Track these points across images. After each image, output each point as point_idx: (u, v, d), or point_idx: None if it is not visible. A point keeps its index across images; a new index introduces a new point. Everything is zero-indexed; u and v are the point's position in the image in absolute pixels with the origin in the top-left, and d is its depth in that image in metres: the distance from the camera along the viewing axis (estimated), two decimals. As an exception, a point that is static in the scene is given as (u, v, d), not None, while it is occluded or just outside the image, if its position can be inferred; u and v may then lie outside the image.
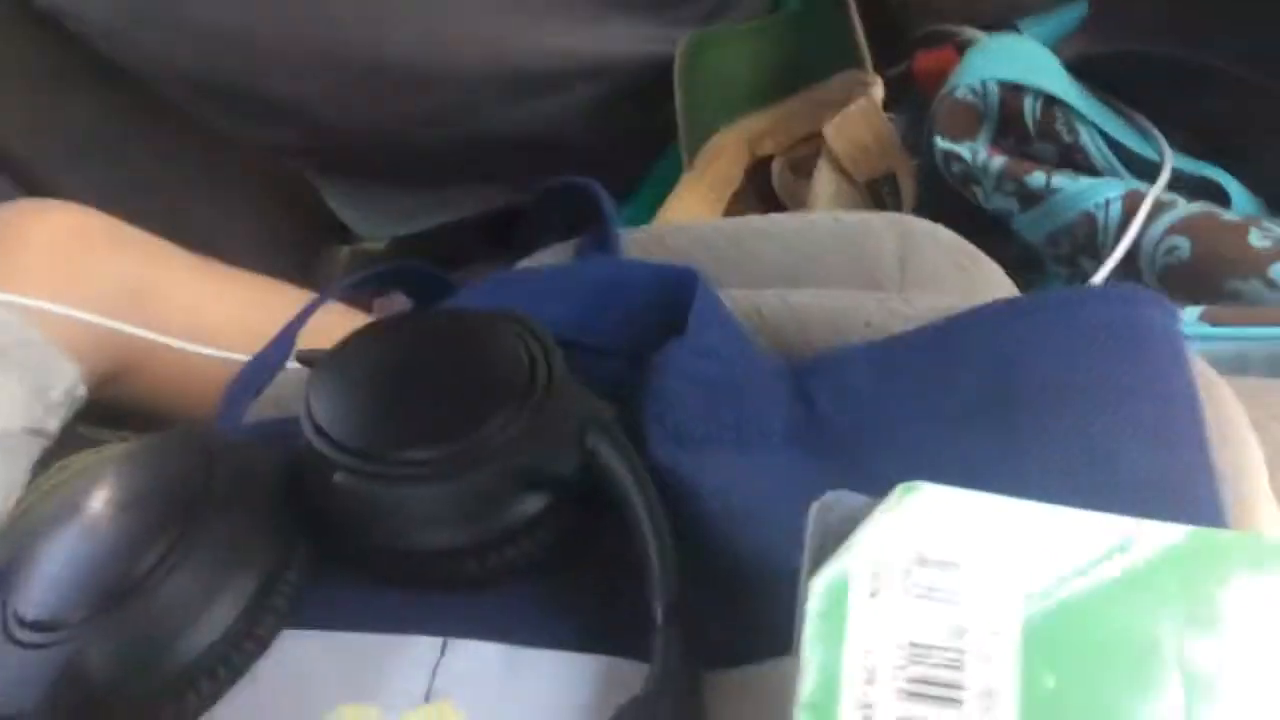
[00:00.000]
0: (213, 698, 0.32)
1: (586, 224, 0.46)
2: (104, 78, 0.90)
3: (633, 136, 0.91)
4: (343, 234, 1.08)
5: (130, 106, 0.93)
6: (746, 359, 0.34)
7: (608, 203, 0.44)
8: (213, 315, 0.61)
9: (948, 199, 0.70)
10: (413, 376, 0.35)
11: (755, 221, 0.42)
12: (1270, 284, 0.57)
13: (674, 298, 0.36)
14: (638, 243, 0.43)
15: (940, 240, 0.39)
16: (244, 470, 0.34)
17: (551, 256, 0.45)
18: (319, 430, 0.34)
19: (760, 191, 0.80)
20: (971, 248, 0.40)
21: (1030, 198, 0.64)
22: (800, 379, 0.34)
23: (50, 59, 0.90)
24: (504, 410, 0.33)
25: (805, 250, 0.40)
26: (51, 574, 0.32)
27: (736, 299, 0.37)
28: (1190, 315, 0.54)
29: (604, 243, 0.42)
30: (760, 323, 0.36)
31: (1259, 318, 0.54)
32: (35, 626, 0.31)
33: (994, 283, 0.39)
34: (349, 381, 0.35)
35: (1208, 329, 0.54)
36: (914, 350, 0.32)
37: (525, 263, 0.46)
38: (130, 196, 0.95)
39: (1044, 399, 0.29)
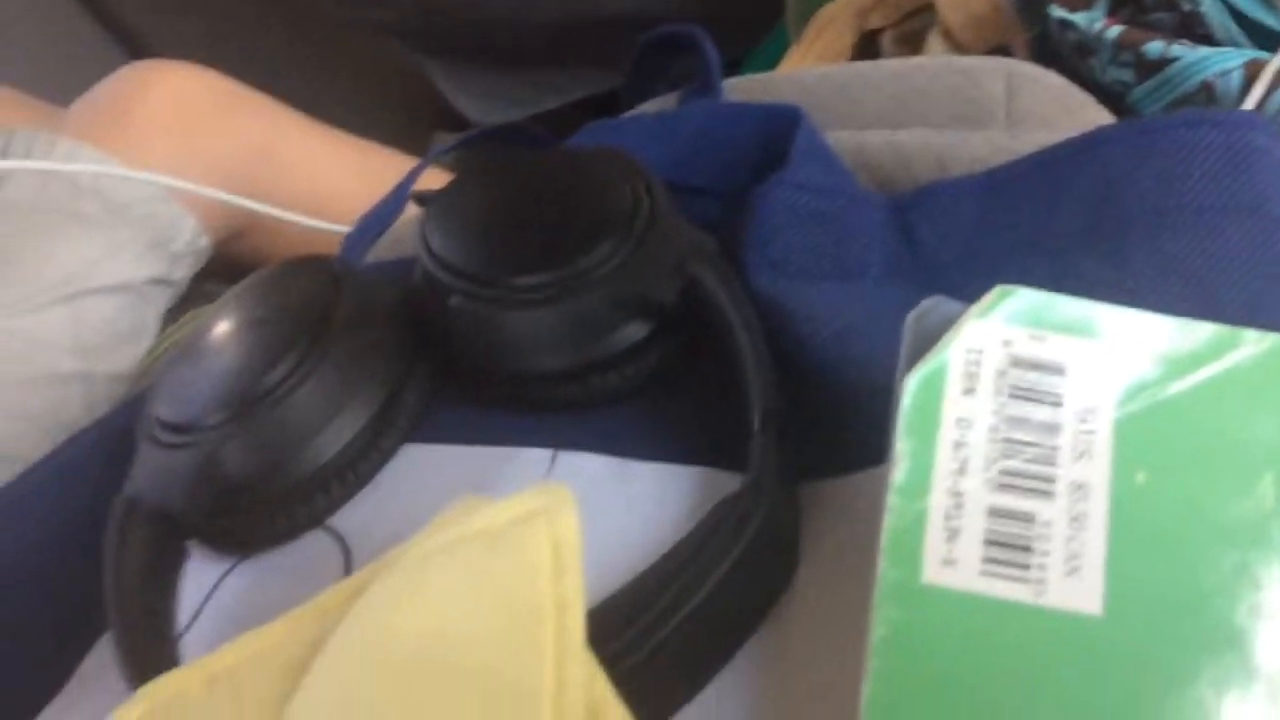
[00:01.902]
0: (340, 501, 0.34)
1: (689, 79, 0.47)
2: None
3: (740, 13, 0.90)
4: (457, 122, 1.10)
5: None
6: (847, 193, 0.35)
7: (710, 49, 0.44)
8: (330, 178, 0.63)
9: (1062, 71, 0.68)
10: (522, 210, 0.37)
11: (861, 68, 0.42)
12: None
13: (776, 136, 0.37)
14: (742, 89, 0.43)
15: (1048, 83, 0.39)
16: (368, 295, 0.36)
17: (656, 107, 0.46)
18: (435, 258, 0.35)
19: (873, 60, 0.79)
20: (1079, 90, 0.39)
21: (1147, 68, 0.63)
22: (902, 212, 0.34)
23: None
24: (609, 240, 0.34)
25: (911, 95, 0.40)
26: (191, 383, 0.35)
27: (841, 139, 0.37)
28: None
29: (707, 89, 0.43)
30: (863, 161, 0.37)
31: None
32: (174, 429, 0.34)
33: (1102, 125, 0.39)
34: (462, 215, 0.37)
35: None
36: (1019, 180, 0.32)
37: (630, 113, 0.46)
38: (240, 77, 0.98)
39: (1150, 222, 0.29)
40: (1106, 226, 0.30)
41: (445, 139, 1.13)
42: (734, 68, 0.93)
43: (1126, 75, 0.64)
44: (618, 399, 0.34)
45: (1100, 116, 0.39)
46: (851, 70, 0.41)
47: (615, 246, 0.34)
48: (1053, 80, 0.39)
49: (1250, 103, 0.58)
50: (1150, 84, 0.63)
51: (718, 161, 0.39)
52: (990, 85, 0.39)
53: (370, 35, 1.01)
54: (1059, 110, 0.38)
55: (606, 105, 0.94)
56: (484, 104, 1.06)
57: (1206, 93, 0.61)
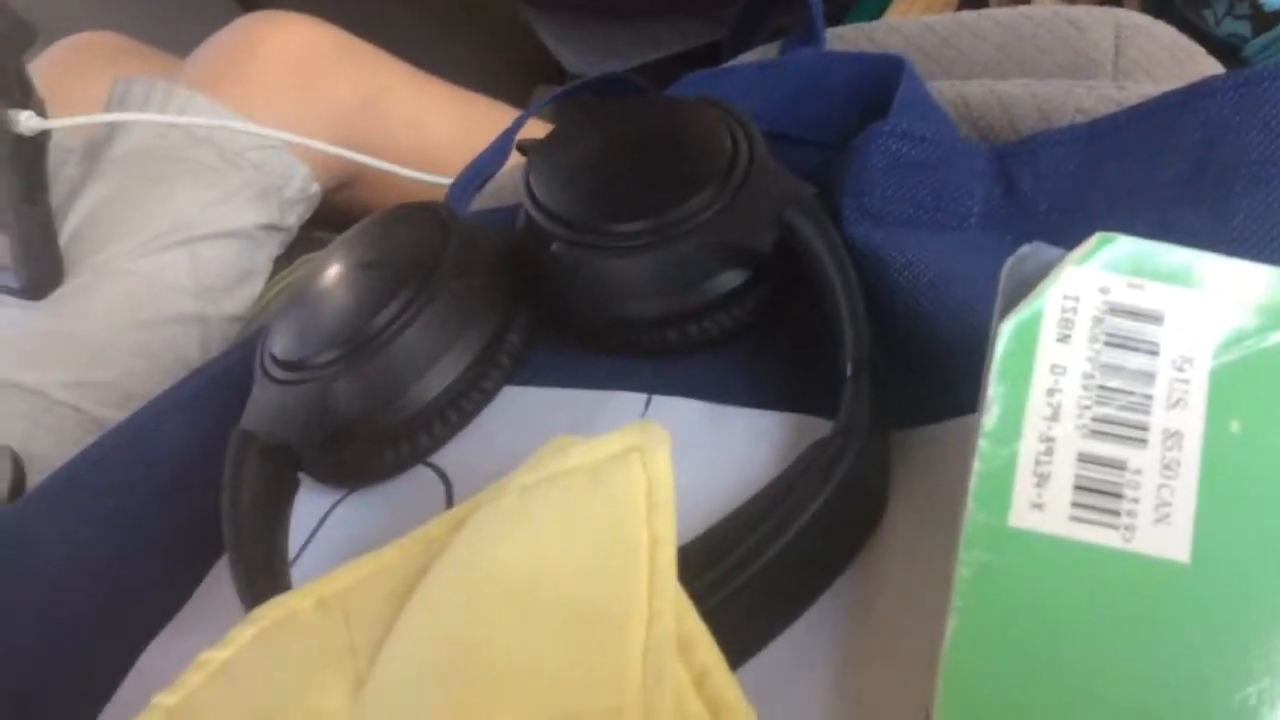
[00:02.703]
0: (444, 439, 0.35)
1: (792, 30, 0.47)
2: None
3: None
4: (559, 75, 1.11)
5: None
6: (948, 142, 0.35)
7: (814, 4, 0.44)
8: (436, 129, 0.64)
9: (1175, 24, 0.66)
10: (623, 158, 0.37)
11: (965, 18, 0.41)
12: None
13: (878, 86, 0.37)
14: (846, 39, 0.43)
15: (1156, 34, 0.38)
16: (473, 242, 0.37)
17: (758, 56, 0.46)
18: (538, 204, 0.36)
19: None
20: (1189, 42, 0.38)
21: (1265, 20, 0.61)
22: (1004, 161, 0.34)
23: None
24: (707, 188, 0.34)
25: (1016, 45, 0.39)
26: (304, 322, 0.36)
27: (943, 90, 0.37)
28: None
29: (810, 39, 0.43)
30: (966, 111, 0.37)
31: None
32: (288, 366, 0.36)
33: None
34: (564, 163, 0.38)
35: None
36: (1122, 130, 0.32)
37: (731, 63, 0.47)
38: (347, 25, 1.00)
39: (1255, 174, 0.29)
40: (1210, 178, 0.29)
41: (547, 92, 1.14)
42: (838, 19, 0.92)
43: (1243, 28, 0.62)
44: (713, 345, 0.35)
45: (1210, 67, 0.38)
46: (956, 20, 0.41)
47: (713, 195, 0.34)
48: (1161, 31, 0.38)
49: (1376, 54, 0.56)
50: (1267, 37, 0.61)
51: (819, 111, 0.39)
52: (1099, 36, 0.38)
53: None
54: (1168, 61, 0.37)
55: (707, 58, 0.94)
56: (586, 56, 1.07)
57: (1329, 45, 0.59)
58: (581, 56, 1.06)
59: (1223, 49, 0.64)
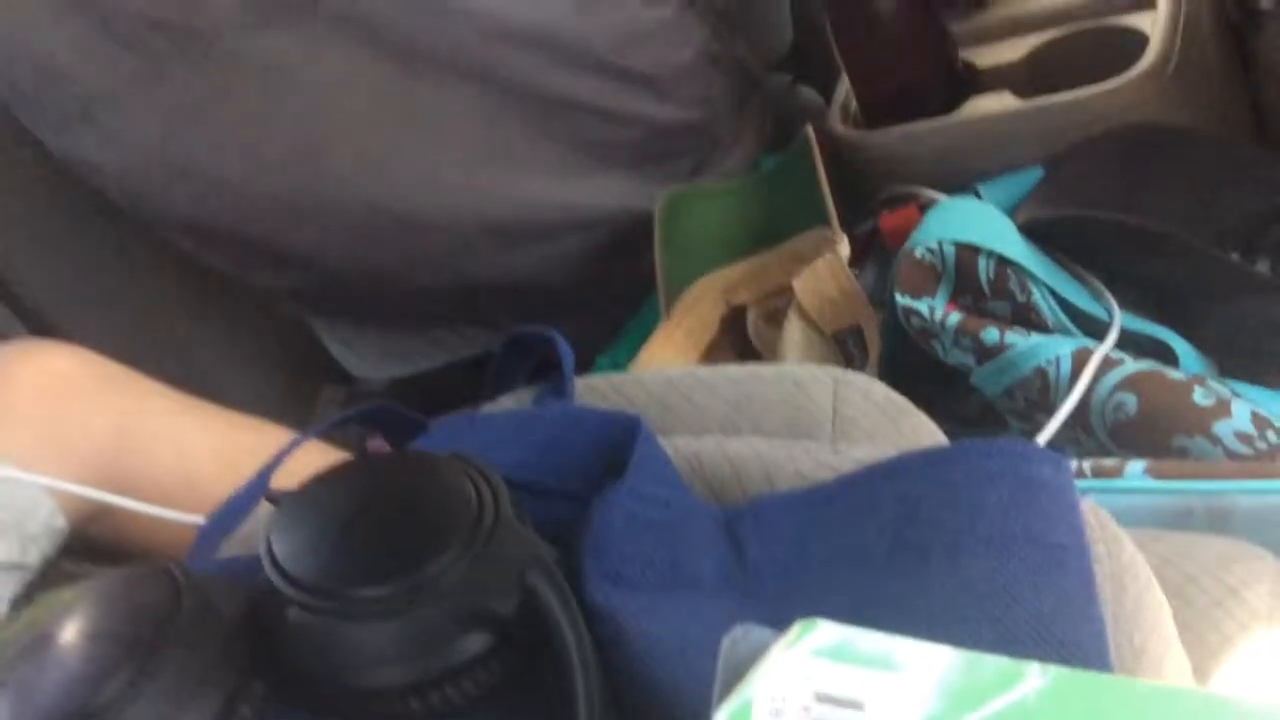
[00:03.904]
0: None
1: (550, 370, 0.49)
2: (110, 220, 0.95)
3: (617, 284, 0.94)
4: (341, 375, 1.12)
5: (134, 248, 0.98)
6: (682, 504, 0.36)
7: (566, 352, 0.47)
8: (199, 457, 0.63)
9: (911, 352, 0.73)
10: (368, 516, 0.38)
11: (703, 374, 0.44)
12: (1214, 440, 0.59)
13: (619, 444, 0.38)
14: (595, 390, 0.46)
15: (872, 394, 0.42)
16: (207, 606, 0.36)
17: (513, 401, 0.48)
18: (277, 567, 0.36)
19: (735, 339, 0.83)
20: (902, 401, 0.42)
21: (986, 352, 0.67)
22: (732, 524, 0.36)
23: (60, 201, 0.95)
24: (450, 550, 0.35)
25: (747, 403, 0.42)
26: (23, 694, 0.34)
27: (678, 446, 0.39)
28: (1135, 469, 0.57)
29: (561, 390, 0.45)
30: (698, 470, 0.39)
31: (1201, 472, 0.56)
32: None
33: (923, 434, 0.42)
34: (308, 520, 0.38)
35: (1151, 483, 0.56)
36: (833, 499, 0.34)
37: (488, 407, 0.48)
38: (131, 336, 0.99)
39: (947, 549, 0.31)
40: (908, 548, 0.32)
41: (334, 393, 1.15)
42: (615, 332, 0.97)
43: (968, 359, 0.68)
44: (459, 713, 0.35)
45: (920, 424, 0.42)
46: (694, 376, 0.44)
47: (456, 557, 0.35)
48: (876, 390, 0.42)
49: (1078, 389, 0.63)
50: (990, 368, 0.68)
51: (567, 463, 0.40)
52: (818, 394, 0.42)
53: (259, 295, 1.03)
54: (882, 419, 0.41)
55: (486, 363, 0.97)
56: (371, 360, 1.08)
57: (1040, 378, 0.65)
58: (365, 361, 1.08)
59: (955, 376, 0.70)
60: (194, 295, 1.01)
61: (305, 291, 1.03)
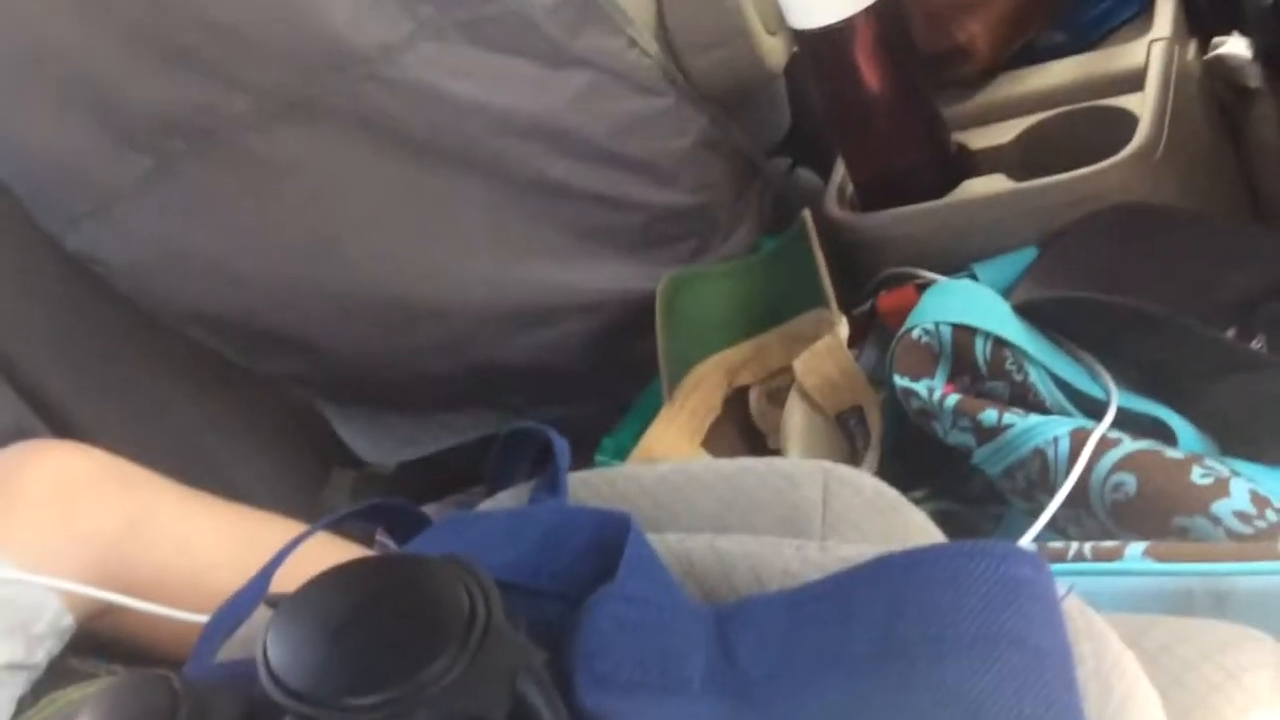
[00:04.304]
0: None
1: (551, 459, 0.50)
2: (123, 312, 0.97)
3: (621, 366, 0.95)
4: (351, 458, 1.12)
5: (146, 338, 0.99)
6: (673, 606, 0.37)
7: (561, 448, 0.47)
8: (207, 551, 0.64)
9: (912, 432, 0.73)
10: (363, 621, 0.38)
11: (695, 469, 0.45)
12: (1214, 520, 0.59)
13: (610, 543, 0.39)
14: (590, 485, 0.46)
15: (863, 489, 0.42)
16: (204, 714, 0.37)
17: (510, 498, 0.48)
18: (271, 675, 0.36)
19: (738, 419, 0.84)
20: (893, 495, 0.43)
21: (985, 433, 0.68)
22: (722, 624, 0.36)
23: (75, 294, 0.97)
24: (442, 656, 0.35)
25: (738, 499, 0.43)
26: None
27: (669, 544, 0.40)
28: (1135, 551, 0.57)
29: (555, 487, 0.45)
30: (689, 568, 0.39)
31: (1200, 554, 0.55)
32: None
33: (914, 528, 0.42)
34: (303, 625, 0.38)
35: (1152, 565, 0.56)
36: (820, 600, 0.35)
37: (486, 503, 0.49)
38: (144, 423, 1.01)
39: (929, 651, 0.32)
40: (892, 651, 0.32)
41: (343, 477, 1.16)
42: (620, 413, 0.97)
43: (968, 439, 0.69)
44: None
45: (910, 518, 0.42)
46: (685, 472, 0.45)
47: (448, 664, 0.35)
48: (866, 484, 0.43)
49: (1077, 469, 0.63)
50: (989, 448, 0.68)
51: (558, 566, 0.41)
52: (809, 490, 0.42)
53: (268, 381, 1.05)
54: (873, 514, 0.41)
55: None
56: (381, 445, 1.09)
57: (1039, 459, 0.65)
58: (376, 445, 1.08)
59: (956, 454, 0.70)
60: (203, 380, 1.02)
61: (314, 378, 1.04)
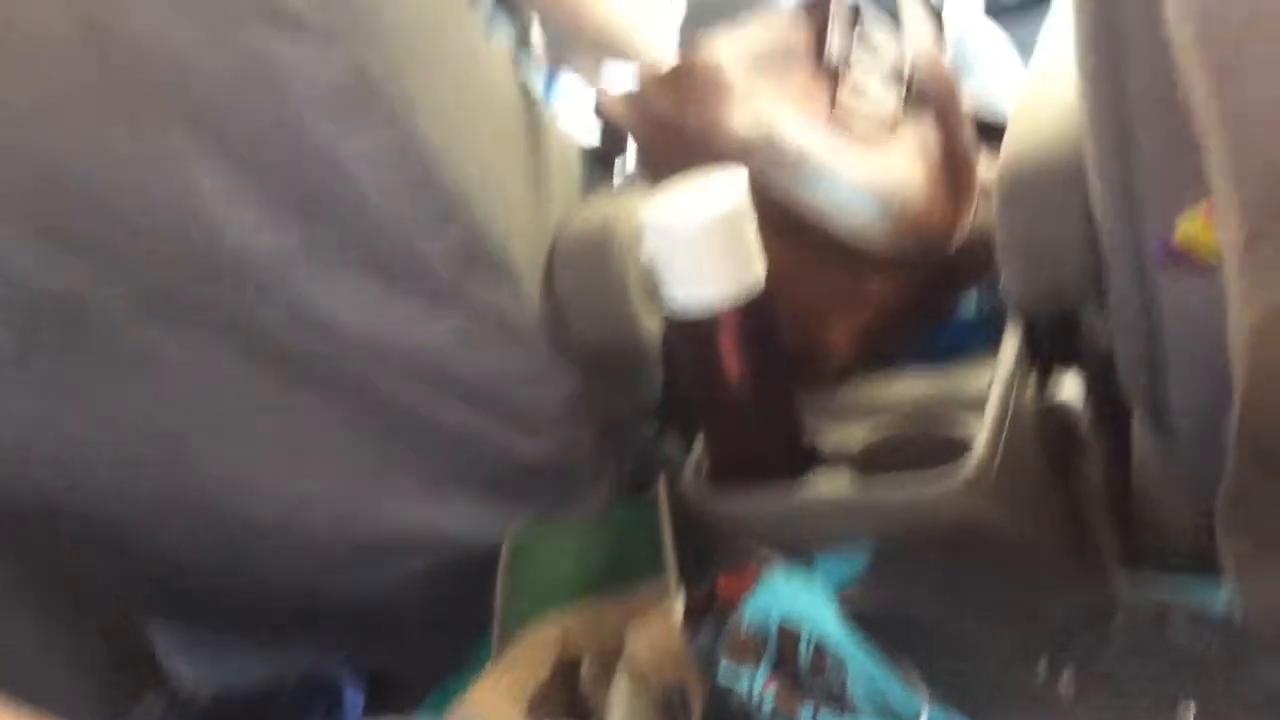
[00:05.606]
0: None
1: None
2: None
3: (462, 613, 0.93)
4: (163, 682, 1.06)
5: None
6: None
7: (352, 701, 0.46)
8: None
9: (732, 717, 0.72)
10: None
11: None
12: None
13: None
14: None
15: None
16: None
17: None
18: None
19: (568, 686, 0.82)
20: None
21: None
22: None
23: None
24: None
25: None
26: None
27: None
28: None
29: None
30: None
31: None
32: None
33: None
34: None
35: None
36: None
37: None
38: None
39: None
40: None
41: (153, 702, 1.09)
42: (458, 656, 0.94)
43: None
44: None
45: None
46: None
47: None
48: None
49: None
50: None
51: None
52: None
53: (84, 594, 1.00)
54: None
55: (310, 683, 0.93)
56: (203, 671, 1.04)
57: (850, 763, 0.65)
58: (198, 669, 1.03)
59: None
60: (14, 587, 0.97)
61: (150, 592, 1.00)
